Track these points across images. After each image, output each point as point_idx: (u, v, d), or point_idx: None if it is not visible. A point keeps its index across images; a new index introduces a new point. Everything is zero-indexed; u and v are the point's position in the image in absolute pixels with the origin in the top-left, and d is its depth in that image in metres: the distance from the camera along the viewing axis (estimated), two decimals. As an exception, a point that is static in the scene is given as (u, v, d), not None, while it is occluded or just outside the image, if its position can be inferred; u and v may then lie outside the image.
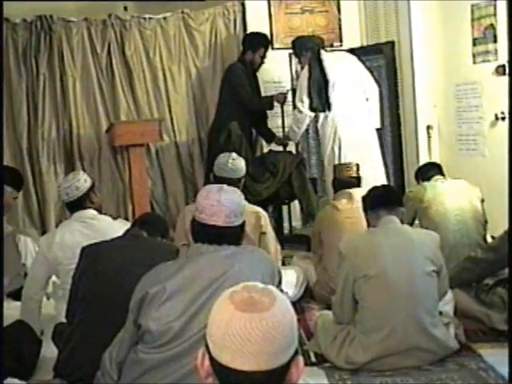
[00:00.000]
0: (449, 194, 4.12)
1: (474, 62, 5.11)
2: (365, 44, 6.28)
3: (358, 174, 4.28)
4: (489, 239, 4.18)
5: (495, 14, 4.81)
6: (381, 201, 3.20)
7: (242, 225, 2.34)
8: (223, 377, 1.22)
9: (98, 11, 5.97)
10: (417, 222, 4.21)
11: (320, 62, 5.23)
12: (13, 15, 5.59)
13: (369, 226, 3.27)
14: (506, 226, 3.34)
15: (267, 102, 5.63)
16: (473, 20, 5.05)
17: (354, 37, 6.31)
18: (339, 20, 6.33)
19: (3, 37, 5.47)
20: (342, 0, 6.30)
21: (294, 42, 5.51)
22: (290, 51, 6.03)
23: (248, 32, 6.00)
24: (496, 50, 4.85)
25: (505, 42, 4.54)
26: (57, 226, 4.42)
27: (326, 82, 5.18)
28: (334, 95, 5.19)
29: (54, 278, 3.52)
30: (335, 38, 6.25)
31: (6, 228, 4.32)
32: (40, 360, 3.21)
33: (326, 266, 4.05)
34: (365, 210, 3.29)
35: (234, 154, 3.98)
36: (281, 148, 5.71)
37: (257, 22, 6.12)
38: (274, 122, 5.90)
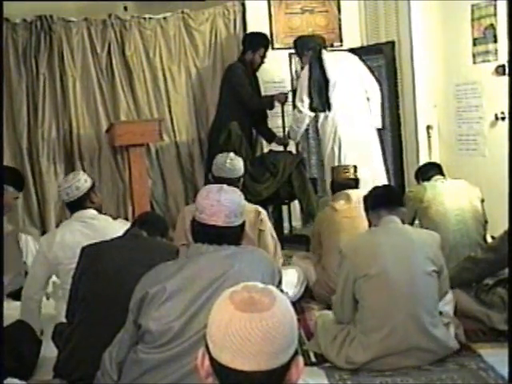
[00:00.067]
0: (449, 194, 4.12)
1: (474, 62, 5.11)
2: (365, 44, 6.28)
3: (355, 175, 4.30)
4: (489, 239, 4.18)
5: (495, 14, 4.81)
6: (382, 201, 3.21)
7: (242, 225, 2.34)
8: (223, 377, 1.22)
9: (98, 11, 5.97)
10: (417, 222, 4.22)
11: (321, 61, 5.23)
12: (13, 15, 5.59)
13: (370, 225, 3.27)
14: (505, 226, 3.34)
15: (267, 102, 5.63)
16: (473, 20, 5.05)
17: (354, 37, 6.31)
18: (339, 20, 6.33)
19: (3, 37, 5.48)
20: (342, 0, 6.31)
21: (295, 42, 5.51)
22: (290, 51, 6.03)
23: (248, 32, 6.01)
24: (496, 50, 4.85)
25: (505, 42, 4.54)
26: (57, 226, 4.44)
27: (326, 81, 5.18)
28: (335, 95, 5.19)
29: (54, 277, 3.52)
30: (335, 38, 6.25)
31: (6, 227, 4.33)
32: (40, 360, 3.21)
33: (326, 265, 4.06)
34: (366, 209, 3.29)
35: (231, 154, 3.98)
36: (281, 148, 5.71)
37: (257, 22, 6.12)
38: (275, 121, 5.91)
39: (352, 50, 5.85)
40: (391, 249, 3.06)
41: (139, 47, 6.05)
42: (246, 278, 1.77)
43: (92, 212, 3.48)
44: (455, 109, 5.47)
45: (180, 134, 6.16)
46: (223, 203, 2.25)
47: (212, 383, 1.24)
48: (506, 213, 3.09)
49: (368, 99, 5.31)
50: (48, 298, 3.82)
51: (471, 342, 3.27)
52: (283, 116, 5.67)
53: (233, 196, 2.30)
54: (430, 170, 4.37)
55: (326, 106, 5.20)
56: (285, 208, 5.80)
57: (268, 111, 5.79)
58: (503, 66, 4.74)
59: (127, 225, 3.31)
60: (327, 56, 5.29)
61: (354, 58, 5.45)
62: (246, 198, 2.67)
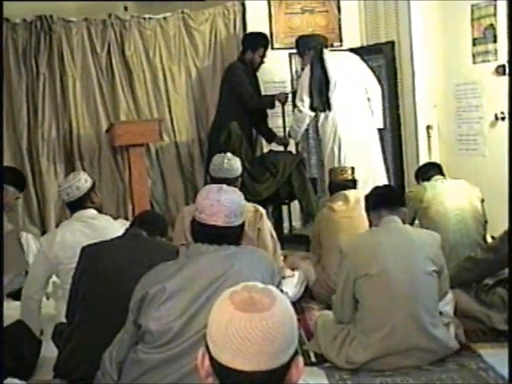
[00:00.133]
0: (449, 194, 4.12)
1: (474, 62, 5.11)
2: (365, 44, 6.28)
3: (353, 176, 4.31)
4: (489, 239, 4.18)
5: (495, 14, 4.81)
6: (382, 201, 3.21)
7: (242, 225, 2.34)
8: (223, 377, 1.22)
9: (98, 11, 5.97)
10: (417, 222, 4.22)
11: (322, 61, 5.22)
12: (13, 15, 5.59)
13: (370, 225, 3.28)
14: (505, 226, 3.35)
15: (268, 101, 5.63)
16: (473, 20, 5.05)
17: (354, 37, 6.31)
18: (339, 20, 6.33)
19: (3, 37, 5.48)
20: (342, 0, 6.31)
21: (297, 41, 5.51)
22: (290, 51, 6.04)
23: (247, 32, 6.01)
24: (496, 50, 4.85)
25: (505, 42, 4.54)
26: (57, 226, 4.43)
27: (327, 81, 5.18)
28: (335, 95, 5.19)
29: (54, 277, 3.53)
30: (335, 38, 6.25)
31: (7, 227, 4.33)
32: (40, 360, 3.21)
33: (325, 265, 4.07)
34: (367, 209, 3.30)
35: (229, 154, 3.98)
36: (281, 148, 5.71)
37: (257, 22, 6.12)
38: (275, 121, 5.91)
39: (352, 50, 5.84)
40: (392, 248, 3.06)
41: (139, 47, 6.04)
42: (246, 278, 1.77)
43: (92, 212, 3.49)
44: (455, 109, 5.47)
45: (180, 134, 6.16)
46: (223, 203, 2.25)
47: (212, 383, 1.24)
48: (506, 213, 3.11)
49: (369, 99, 5.31)
50: (48, 298, 3.82)
51: (471, 341, 3.27)
52: (284, 116, 5.67)
53: (233, 196, 2.30)
54: (430, 170, 4.37)
55: (326, 105, 5.19)
56: (285, 208, 5.80)
57: (268, 111, 5.79)
58: (503, 65, 4.74)
59: (127, 225, 3.31)
60: (328, 56, 5.29)
61: (356, 58, 5.44)
62: (246, 198, 2.67)
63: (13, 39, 5.78)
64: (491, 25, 4.87)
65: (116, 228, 3.29)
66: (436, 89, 5.71)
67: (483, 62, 5.00)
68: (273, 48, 6.05)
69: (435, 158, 5.55)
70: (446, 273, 3.14)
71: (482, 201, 4.18)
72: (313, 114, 5.29)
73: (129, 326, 2.28)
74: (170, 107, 6.13)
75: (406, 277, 3.01)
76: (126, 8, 6.14)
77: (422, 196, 4.13)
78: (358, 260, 3.06)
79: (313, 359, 3.18)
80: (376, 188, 3.43)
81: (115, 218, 3.81)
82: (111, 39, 5.98)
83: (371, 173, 5.11)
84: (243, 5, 6.19)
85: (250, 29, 6.06)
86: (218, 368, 1.22)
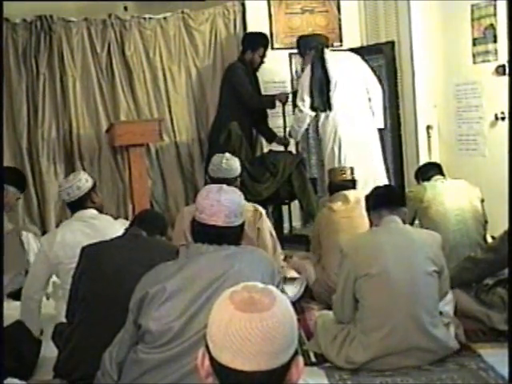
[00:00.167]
0: (449, 194, 4.12)
1: (474, 62, 5.11)
2: (365, 44, 6.28)
3: (352, 177, 4.31)
4: (489, 239, 4.18)
5: (495, 14, 4.82)
6: (383, 200, 3.21)
7: (242, 225, 2.34)
8: (223, 377, 1.22)
9: (98, 11, 5.97)
10: (417, 222, 4.22)
11: (323, 61, 5.22)
12: (13, 15, 5.59)
13: (371, 225, 3.28)
14: (505, 226, 3.35)
15: (268, 101, 5.63)
16: (473, 20, 5.05)
17: (354, 37, 6.31)
18: (339, 20, 6.33)
19: (3, 37, 5.48)
20: (341, 0, 6.30)
21: (298, 41, 5.51)
22: (290, 51, 6.04)
23: (247, 32, 6.01)
24: (496, 50, 4.85)
25: (505, 42, 4.54)
26: (57, 226, 4.44)
27: (328, 81, 5.18)
28: (336, 95, 5.18)
29: (54, 277, 3.53)
30: (335, 38, 6.25)
31: (7, 226, 4.33)
32: (40, 360, 3.21)
33: (325, 265, 4.08)
34: (367, 209, 3.30)
35: (227, 154, 3.98)
36: (281, 148, 5.71)
37: (257, 22, 6.12)
38: (275, 121, 5.91)
39: (352, 50, 5.84)
40: (392, 248, 3.06)
41: (139, 47, 6.04)
42: (246, 278, 1.77)
43: (93, 212, 3.49)
44: (455, 109, 5.47)
45: (180, 134, 6.16)
46: (223, 203, 2.26)
47: (212, 383, 1.24)
48: (506, 213, 3.10)
49: (370, 99, 5.31)
50: (48, 298, 3.82)
51: (471, 341, 3.27)
52: (284, 116, 5.67)
53: (233, 196, 2.30)
54: (430, 170, 4.37)
55: (327, 105, 5.19)
56: (285, 208, 5.80)
57: (268, 111, 5.79)
58: (503, 65, 4.74)
59: (127, 225, 3.31)
60: (330, 55, 5.28)
61: (357, 58, 5.44)
62: (246, 198, 2.67)
63: (13, 39, 5.78)
64: (491, 25, 4.87)
65: (116, 228, 3.29)
66: (436, 89, 5.71)
67: (483, 62, 5.00)
68: (273, 48, 6.05)
69: (435, 158, 5.55)
70: (446, 273, 3.14)
71: (482, 201, 4.18)
72: (313, 113, 5.29)
73: (129, 326, 2.28)
74: (170, 107, 6.13)
75: (406, 277, 3.01)
76: (125, 8, 6.14)
77: (422, 196, 4.13)
78: (359, 260, 3.06)
79: (313, 359, 3.18)
80: (377, 188, 3.43)
81: (115, 218, 3.81)
82: (111, 39, 5.98)
83: (371, 173, 5.11)
84: (243, 5, 6.19)
85: (250, 29, 6.06)
86: (218, 368, 1.22)
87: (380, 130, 5.48)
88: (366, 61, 5.49)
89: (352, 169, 4.36)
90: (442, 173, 4.37)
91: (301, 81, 5.42)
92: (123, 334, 2.31)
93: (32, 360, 3.18)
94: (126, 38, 5.99)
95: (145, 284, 2.24)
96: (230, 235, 2.29)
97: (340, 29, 6.33)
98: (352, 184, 4.27)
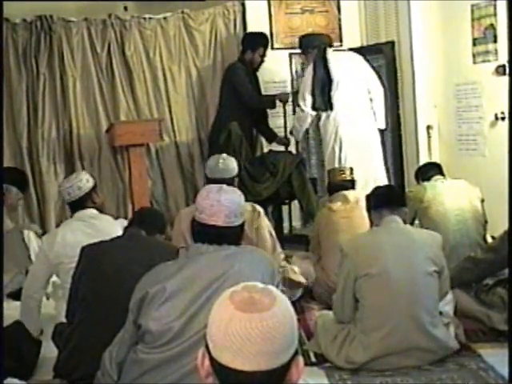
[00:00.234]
0: (449, 194, 4.12)
1: (474, 62, 5.11)
2: (365, 44, 6.28)
3: (351, 177, 4.31)
4: (489, 239, 4.18)
5: (495, 14, 4.81)
6: (384, 200, 3.21)
7: (242, 225, 2.34)
8: (223, 377, 1.22)
9: (98, 11, 5.97)
10: (417, 222, 4.22)
11: (325, 60, 5.22)
12: (13, 15, 5.59)
13: (371, 225, 3.28)
14: (505, 226, 3.34)
15: (268, 101, 5.63)
16: (473, 20, 5.05)
17: (354, 37, 6.31)
18: (339, 20, 6.33)
19: (3, 37, 5.48)
20: (341, 0, 6.30)
21: (300, 40, 5.50)
22: (290, 51, 6.04)
23: (247, 32, 6.01)
24: (496, 50, 4.85)
25: (505, 42, 4.54)
26: (57, 226, 4.44)
27: (330, 80, 5.18)
28: (337, 95, 5.18)
29: (54, 277, 3.53)
30: (335, 38, 6.23)
31: (7, 225, 4.34)
32: (40, 360, 3.21)
33: (325, 265, 4.08)
34: (368, 209, 3.30)
35: (224, 155, 3.97)
36: (281, 148, 5.71)
37: (257, 22, 6.12)
38: (276, 121, 5.91)
39: (352, 50, 5.84)
40: (392, 248, 3.06)
41: (139, 47, 6.04)
42: (246, 278, 1.77)
43: (93, 212, 3.49)
44: (455, 109, 5.47)
45: (180, 134, 6.16)
46: (223, 203, 2.26)
47: (212, 383, 1.24)
48: (506, 213, 3.10)
49: (371, 100, 5.30)
50: (48, 298, 3.82)
51: (471, 341, 3.27)
52: (285, 116, 5.67)
53: (233, 196, 2.30)
54: (430, 170, 4.37)
55: (328, 105, 5.19)
56: (285, 208, 5.80)
57: (269, 111, 5.79)
58: (503, 65, 4.74)
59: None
60: (332, 55, 5.28)
61: (359, 59, 5.43)
62: (246, 198, 2.67)
63: (13, 39, 5.78)
64: (491, 25, 4.87)
65: (116, 228, 3.30)
66: (436, 89, 5.71)
67: (483, 61, 5.00)
68: (273, 48, 6.05)
69: (435, 158, 5.55)
70: (446, 273, 3.14)
71: (482, 201, 4.18)
72: (314, 113, 5.28)
73: (129, 326, 2.28)
74: (170, 107, 6.13)
75: (406, 277, 3.01)
76: (125, 8, 6.14)
77: (422, 196, 4.13)
78: (359, 260, 3.06)
79: (313, 359, 3.18)
80: (377, 188, 3.44)
81: (115, 218, 3.81)
82: (111, 39, 5.98)
83: (372, 173, 5.11)
84: (243, 5, 6.19)
85: (250, 29, 6.06)
86: (218, 368, 1.22)
87: (381, 130, 5.48)
88: (367, 61, 5.49)
89: (351, 169, 4.37)
90: (442, 173, 4.37)
91: (303, 80, 5.41)
92: (123, 334, 2.31)
93: (32, 360, 3.18)
94: (126, 38, 5.99)
95: (145, 284, 2.24)
96: (230, 235, 2.29)
97: (340, 29, 6.33)
98: (351, 184, 4.28)
